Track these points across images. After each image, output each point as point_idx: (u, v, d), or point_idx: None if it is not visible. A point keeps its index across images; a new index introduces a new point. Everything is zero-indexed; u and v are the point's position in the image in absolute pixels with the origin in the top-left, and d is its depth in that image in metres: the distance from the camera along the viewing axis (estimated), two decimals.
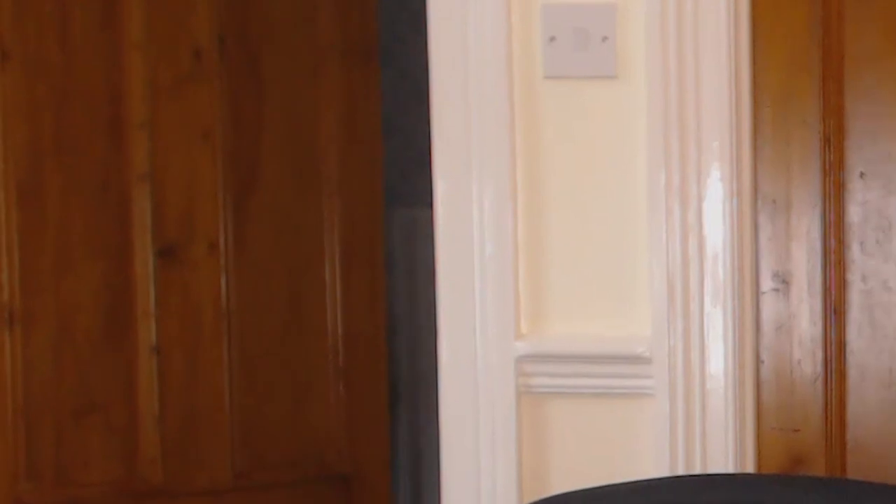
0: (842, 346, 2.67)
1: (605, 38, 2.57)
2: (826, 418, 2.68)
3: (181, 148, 3.33)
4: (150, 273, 3.26)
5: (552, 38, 2.58)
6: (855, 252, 2.67)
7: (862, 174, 2.66)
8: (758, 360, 2.67)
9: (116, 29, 3.23)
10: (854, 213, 2.67)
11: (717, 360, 2.56)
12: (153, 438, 3.26)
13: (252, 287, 3.45)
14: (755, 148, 2.66)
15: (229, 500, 3.39)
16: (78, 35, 3.17)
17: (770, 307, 2.68)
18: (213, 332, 3.36)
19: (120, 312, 3.21)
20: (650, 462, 2.55)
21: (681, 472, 2.54)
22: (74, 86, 3.15)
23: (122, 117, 3.23)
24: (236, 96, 3.47)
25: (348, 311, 3.60)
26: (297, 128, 3.61)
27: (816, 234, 2.67)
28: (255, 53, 3.54)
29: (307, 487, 3.57)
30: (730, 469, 2.53)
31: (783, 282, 2.68)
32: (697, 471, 2.55)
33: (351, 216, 3.62)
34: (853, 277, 2.67)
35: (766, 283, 2.68)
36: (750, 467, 2.59)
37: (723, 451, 2.54)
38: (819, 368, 2.67)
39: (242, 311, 3.42)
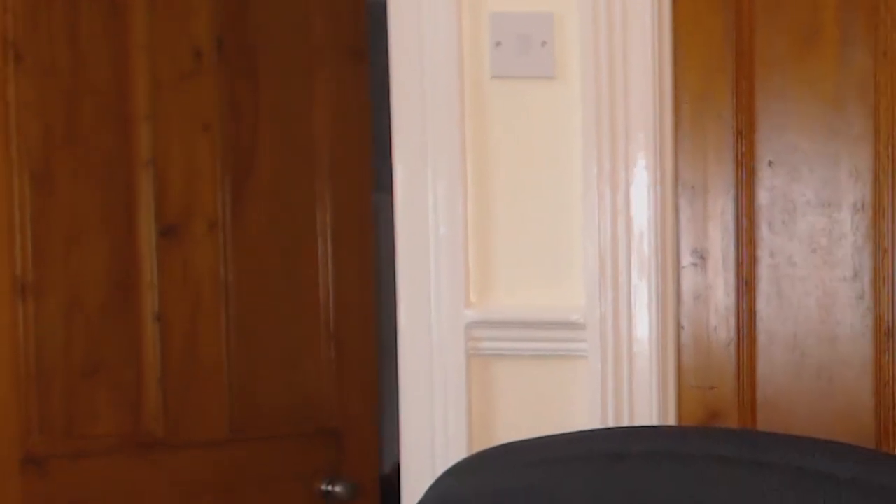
0: (752, 314, 2.77)
1: (544, 43, 2.67)
2: (738, 378, 2.77)
3: (182, 138, 3.30)
4: (152, 249, 3.21)
5: (498, 43, 2.68)
6: (764, 231, 2.76)
7: (770, 163, 2.76)
8: (678, 327, 2.77)
9: (122, 32, 3.19)
10: (763, 197, 2.76)
11: (643, 326, 2.67)
12: (156, 396, 3.23)
13: (249, 261, 3.43)
14: (676, 140, 2.76)
15: (226, 450, 3.35)
16: (86, 38, 3.13)
17: (689, 280, 2.78)
18: (211, 301, 3.34)
19: (125, 284, 3.18)
20: (584, 416, 2.63)
21: (611, 424, 2.63)
22: (83, 83, 3.11)
23: (127, 111, 3.18)
24: (234, 92, 3.43)
25: (339, 281, 3.61)
26: (291, 119, 3.59)
27: (730, 215, 2.77)
28: (252, 53, 3.49)
29: (300, 440, 3.52)
30: (654, 422, 2.63)
31: (701, 258, 2.78)
32: (625, 423, 2.64)
33: (341, 198, 3.62)
34: (762, 254, 2.76)
35: (686, 259, 2.78)
36: (672, 420, 2.69)
37: (648, 407, 2.64)
38: (732, 334, 2.77)
39: (240, 283, 3.40)
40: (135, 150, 3.23)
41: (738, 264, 2.79)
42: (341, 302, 3.63)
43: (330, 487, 3.57)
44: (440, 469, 2.52)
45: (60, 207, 3.09)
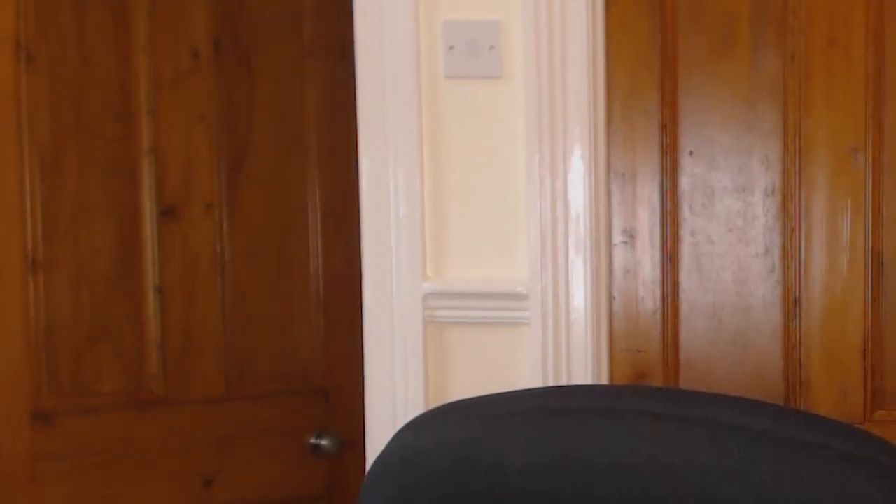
0: (675, 286, 2.89)
1: (492, 47, 2.75)
2: (663, 342, 2.89)
3: (180, 129, 3.33)
4: (153, 228, 3.24)
5: (451, 47, 2.77)
6: (686, 213, 2.87)
7: (691, 153, 2.87)
8: (610, 298, 2.88)
9: (124, 34, 3.21)
10: (685, 183, 2.88)
11: (579, 297, 2.75)
12: (156, 358, 3.27)
13: (244, 238, 3.46)
14: (608, 132, 2.85)
15: (222, 408, 3.38)
16: (92, 39, 3.15)
17: (620, 256, 2.89)
18: (208, 274, 3.37)
19: (128, 260, 3.21)
20: (527, 376, 2.73)
21: (551, 384, 2.74)
22: (89, 81, 3.13)
23: (130, 105, 3.21)
24: (230, 88, 3.44)
25: (327, 256, 3.64)
26: (284, 112, 3.60)
27: (656, 199, 2.88)
28: (248, 52, 3.50)
29: (290, 398, 3.56)
30: (589, 381, 2.74)
31: (630, 236, 2.88)
32: (564, 383, 2.75)
33: (330, 182, 3.64)
34: (684, 233, 2.88)
35: (617, 238, 2.89)
36: (605, 380, 2.79)
37: (583, 368, 2.73)
38: (658, 304, 2.89)
39: (235, 258, 3.44)
40: (137, 140, 3.26)
41: (663, 242, 2.88)
42: (329, 274, 3.68)
43: (318, 441, 3.61)
44: (400, 423, 2.55)
45: (68, 191, 3.12)
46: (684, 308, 2.91)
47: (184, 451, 3.37)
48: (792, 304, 2.88)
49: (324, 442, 3.62)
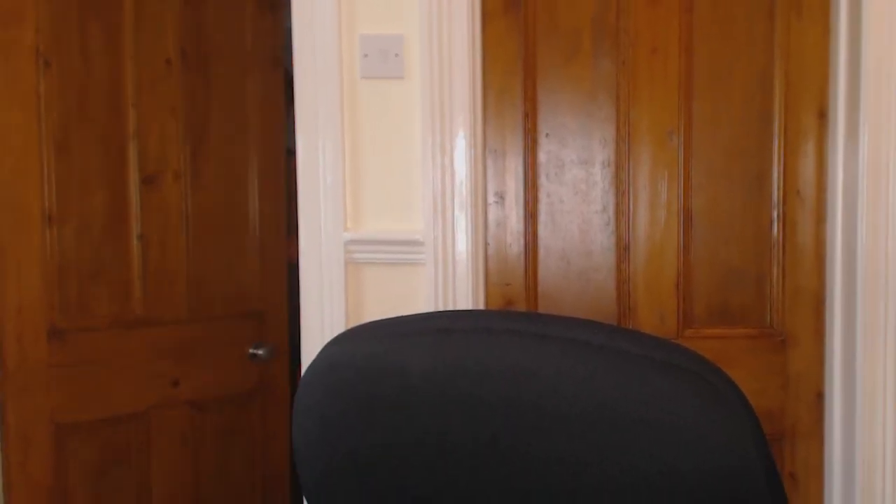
0: (535, 236, 3.07)
1: (396, 55, 2.92)
2: (525, 278, 3.08)
3: (157, 118, 3.54)
4: (136, 192, 3.49)
5: (366, 55, 2.93)
6: (543, 180, 3.06)
7: (547, 135, 3.06)
8: (486, 244, 3.06)
9: (117, 45, 3.43)
10: (542, 157, 3.06)
11: (462, 244, 2.91)
12: (138, 289, 3.51)
13: (202, 198, 3.71)
14: (485, 120, 3.03)
15: (186, 326, 3.65)
16: (93, 49, 3.34)
17: (493, 213, 3.06)
18: (175, 225, 3.63)
19: (118, 215, 3.44)
20: (423, 304, 2.91)
21: (441, 309, 2.85)
22: (90, 81, 3.34)
23: (120, 99, 3.44)
24: (192, 88, 3.67)
25: (262, 208, 3.91)
26: (232, 105, 3.85)
27: (520, 169, 3.06)
28: (205, 61, 3.73)
29: (235, 318, 3.87)
30: (470, 307, 2.89)
31: (501, 198, 3.06)
32: (451, 308, 2.87)
33: (264, 156, 3.91)
34: (542, 195, 3.06)
35: (491, 199, 3.06)
36: (482, 306, 2.97)
37: (466, 297, 2.91)
38: (522, 249, 3.07)
39: (195, 213, 3.69)
40: (125, 125, 3.49)
41: (526, 202, 3.07)
42: (263, 224, 3.94)
43: (255, 351, 3.94)
44: (328, 338, 2.73)
45: (74, 164, 3.31)
46: (542, 252, 3.08)
47: (158, 359, 3.61)
48: (623, 249, 3.07)
49: (260, 352, 3.94)
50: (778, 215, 3.06)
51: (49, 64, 3.24)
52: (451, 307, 2.91)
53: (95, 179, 3.42)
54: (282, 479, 4.17)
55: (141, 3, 3.52)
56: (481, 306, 2.99)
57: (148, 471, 3.54)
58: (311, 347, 2.98)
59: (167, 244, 3.63)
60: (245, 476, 3.94)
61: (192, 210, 3.66)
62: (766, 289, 3.09)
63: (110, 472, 3.41)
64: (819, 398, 3.09)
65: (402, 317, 1.37)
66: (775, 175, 3.05)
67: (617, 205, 3.08)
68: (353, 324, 2.88)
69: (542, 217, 3.10)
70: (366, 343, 1.35)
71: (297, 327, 3.39)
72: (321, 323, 3.00)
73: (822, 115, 3.03)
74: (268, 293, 4.04)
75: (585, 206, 3.08)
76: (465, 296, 2.93)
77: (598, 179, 3.08)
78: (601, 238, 3.09)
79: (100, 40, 3.41)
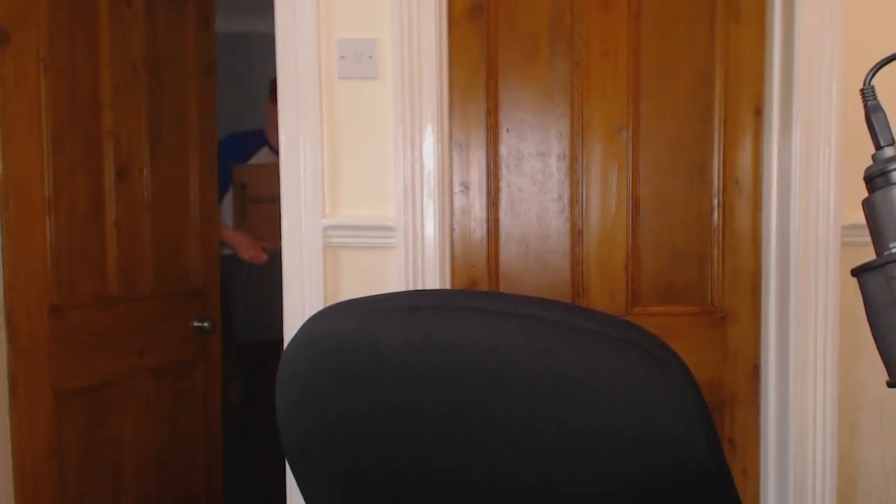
0: (496, 222, 3.06)
1: (370, 57, 2.91)
2: (488, 261, 3.07)
3: (127, 118, 3.63)
4: (112, 184, 3.57)
5: (342, 57, 2.92)
6: (504, 171, 3.05)
7: (508, 129, 3.05)
8: (452, 229, 3.05)
9: (97, 53, 3.50)
10: (503, 150, 3.05)
11: (430, 229, 2.90)
12: (114, 270, 3.59)
13: (158, 190, 3.75)
14: (451, 117, 3.02)
15: (148, 303, 3.77)
16: (80, 57, 3.40)
17: (459, 201, 3.06)
18: (141, 213, 3.72)
19: (97, 203, 3.51)
20: (395, 284, 2.89)
21: (411, 289, 2.83)
22: (78, 85, 3.41)
23: (99, 102, 3.51)
24: (152, 93, 3.76)
25: (202, 199, 4.07)
26: (179, 110, 3.93)
27: (483, 161, 3.05)
28: (159, 70, 3.83)
29: (184, 295, 4.01)
30: (437, 287, 2.87)
31: (466, 187, 3.06)
32: (420, 288, 2.85)
33: (203, 154, 4.07)
34: (503, 185, 3.06)
35: (457, 188, 3.06)
36: (448, 286, 2.97)
37: (433, 278, 2.90)
38: (484, 234, 3.07)
39: (154, 204, 3.80)
40: (103, 125, 3.55)
41: (488, 192, 3.06)
42: (202, 211, 4.09)
43: (200, 324, 4.07)
44: (308, 315, 2.65)
45: (65, 157, 3.35)
46: (503, 237, 3.07)
47: (128, 332, 3.71)
48: (577, 234, 3.07)
49: (205, 324, 4.05)
50: (718, 203, 3.07)
51: (48, 67, 3.26)
52: (419, 287, 2.89)
53: (80, 171, 3.46)
54: (218, 435, 4.31)
55: (114, 17, 3.59)
56: (447, 286, 2.98)
57: (122, 430, 3.64)
58: (292, 323, 2.95)
59: (135, 230, 3.70)
60: (191, 432, 4.09)
61: (151, 200, 3.78)
62: (707, 270, 3.10)
63: (93, 432, 3.48)
64: (755, 370, 3.11)
65: (374, 296, 1.35)
66: (716, 166, 3.07)
67: (571, 194, 3.07)
68: (330, 302, 2.88)
69: (503, 205, 3.08)
70: (342, 319, 1.34)
71: (226, 303, 3.99)
72: (302, 301, 2.98)
73: (759, 112, 3.05)
74: (206, 273, 4.19)
75: (543, 194, 3.07)
76: (432, 276, 2.92)
77: (555, 170, 3.07)
78: (557, 224, 3.08)
79: (83, 47, 3.43)
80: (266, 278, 4.99)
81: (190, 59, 4.07)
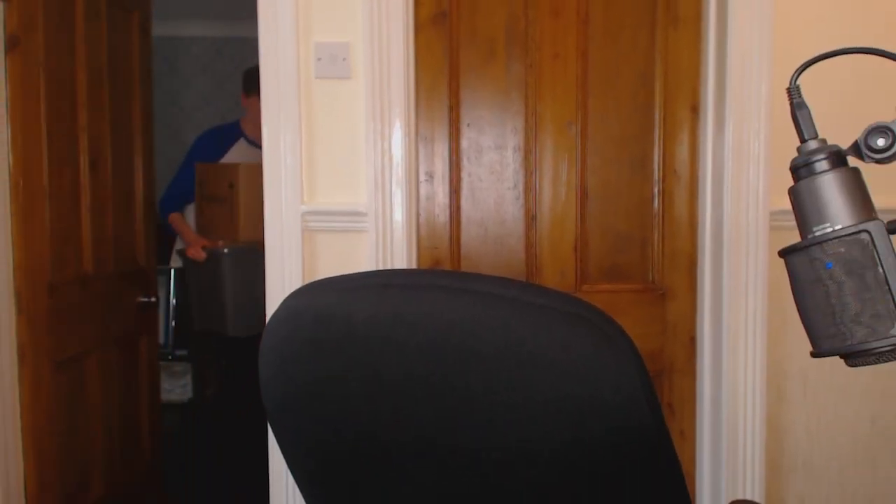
0: (458, 208, 3.06)
1: (344, 59, 2.88)
2: (450, 243, 3.06)
3: (97, 116, 3.66)
4: (86, 173, 3.63)
5: (319, 59, 2.89)
6: (465, 162, 3.03)
7: (468, 124, 3.03)
8: (418, 215, 3.04)
9: (75, 55, 3.55)
10: (465, 143, 3.03)
11: (398, 214, 2.87)
12: (88, 252, 3.65)
13: (116, 181, 3.82)
14: (417, 113, 3.00)
15: (111, 281, 3.87)
16: (64, 61, 3.45)
17: (424, 189, 3.04)
18: (105, 200, 3.69)
19: (76, 191, 3.56)
20: (366, 264, 2.88)
21: (381, 269, 2.80)
22: (63, 86, 3.44)
23: (76, 101, 3.57)
24: (114, 95, 3.89)
25: (145, 189, 4.18)
26: (128, 113, 4.03)
27: (446, 153, 3.04)
28: (117, 72, 3.91)
29: (131, 274, 4.09)
30: (405, 267, 2.82)
31: (430, 177, 3.04)
32: (390, 268, 2.80)
33: (145, 149, 4.18)
34: (464, 175, 3.04)
35: (422, 177, 3.03)
36: (414, 266, 2.94)
37: (401, 259, 2.86)
38: (447, 219, 3.05)
39: (114, 193, 3.80)
40: (79, 121, 3.60)
41: (451, 180, 3.05)
42: (145, 199, 4.20)
43: (145, 299, 4.16)
44: (288, 292, 2.61)
45: (56, 148, 3.38)
46: (464, 221, 3.06)
47: (99, 307, 3.79)
48: (531, 219, 3.06)
49: (152, 300, 4.15)
50: (658, 191, 3.07)
51: (44, 69, 3.29)
52: (389, 267, 2.86)
53: (64, 161, 3.49)
54: (157, 403, 4.50)
55: (88, 26, 3.66)
56: (414, 265, 2.98)
57: (94, 394, 3.74)
58: (274, 299, 2.91)
59: (102, 215, 3.78)
60: (137, 398, 4.21)
61: (112, 190, 3.86)
62: (648, 251, 3.10)
63: (76, 396, 3.58)
64: (692, 341, 3.12)
65: (348, 274, 1.35)
66: (656, 158, 3.06)
67: (526, 183, 3.06)
68: (308, 280, 2.67)
69: (465, 192, 3.06)
70: (319, 296, 1.34)
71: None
72: (282, 280, 2.95)
73: (695, 109, 3.05)
74: (149, 253, 4.33)
75: (500, 183, 3.05)
76: (400, 257, 2.89)
77: (511, 162, 3.06)
78: (513, 210, 3.06)
79: (66, 51, 3.50)
80: (208, 275, 4.96)
81: (134, 65, 4.17)
